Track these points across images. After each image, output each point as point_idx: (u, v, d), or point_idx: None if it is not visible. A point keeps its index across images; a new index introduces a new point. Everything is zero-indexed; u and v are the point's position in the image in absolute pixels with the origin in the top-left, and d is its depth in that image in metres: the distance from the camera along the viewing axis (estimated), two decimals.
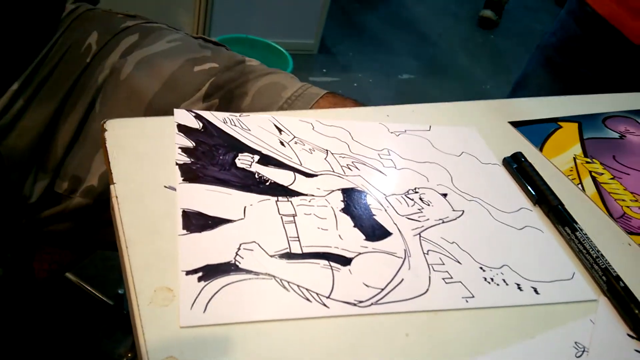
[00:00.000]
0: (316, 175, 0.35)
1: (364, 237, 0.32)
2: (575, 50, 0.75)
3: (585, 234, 0.34)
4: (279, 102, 0.49)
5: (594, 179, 0.42)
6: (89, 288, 0.85)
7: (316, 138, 0.38)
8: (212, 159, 0.34)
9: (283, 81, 0.51)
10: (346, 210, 0.33)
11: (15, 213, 0.49)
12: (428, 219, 0.34)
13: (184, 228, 0.29)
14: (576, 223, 0.35)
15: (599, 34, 0.71)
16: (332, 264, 0.30)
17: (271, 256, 0.29)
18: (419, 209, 0.35)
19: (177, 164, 0.33)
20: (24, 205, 0.49)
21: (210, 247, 0.29)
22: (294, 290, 0.28)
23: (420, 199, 0.36)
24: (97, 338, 0.85)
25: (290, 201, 0.33)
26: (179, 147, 0.34)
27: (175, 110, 0.37)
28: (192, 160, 0.33)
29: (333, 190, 0.35)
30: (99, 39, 0.51)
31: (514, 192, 0.39)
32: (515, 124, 0.46)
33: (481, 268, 0.32)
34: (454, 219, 0.35)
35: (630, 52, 0.69)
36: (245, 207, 0.31)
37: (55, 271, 0.62)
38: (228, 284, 0.27)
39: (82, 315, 0.86)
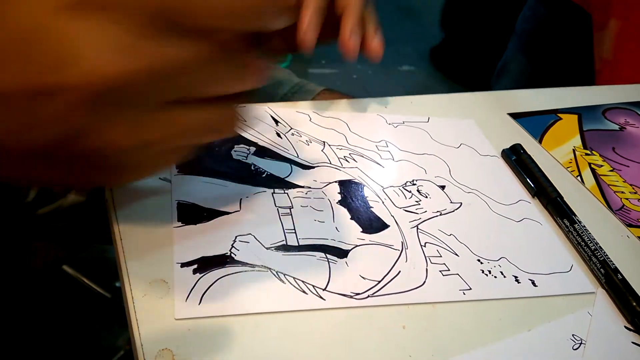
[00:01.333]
0: (313, 167, 0.35)
1: (361, 230, 0.32)
2: (546, 32, 0.77)
3: (584, 226, 0.34)
4: (275, 99, 0.48)
5: (593, 171, 0.42)
6: (86, 281, 0.85)
7: (313, 130, 0.38)
8: (207, 150, 0.34)
9: (279, 77, 0.50)
10: (343, 202, 0.33)
11: (12, 212, 0.49)
12: (425, 211, 0.34)
13: (179, 220, 0.29)
14: (575, 215, 0.35)
15: (564, 12, 0.72)
16: (329, 256, 0.29)
17: (267, 248, 0.29)
18: (416, 201, 0.35)
19: None
20: (20, 204, 0.49)
21: (205, 239, 0.28)
22: (290, 283, 0.28)
23: (418, 191, 0.36)
24: (94, 330, 0.85)
25: (287, 193, 0.32)
26: None
27: None
28: None
29: (330, 182, 0.34)
30: None
31: (512, 184, 0.38)
32: (515, 116, 0.46)
33: (479, 260, 0.32)
34: (451, 211, 0.35)
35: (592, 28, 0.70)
36: (241, 199, 0.31)
37: (51, 264, 0.62)
38: (223, 276, 0.27)
39: (79, 308, 0.86)
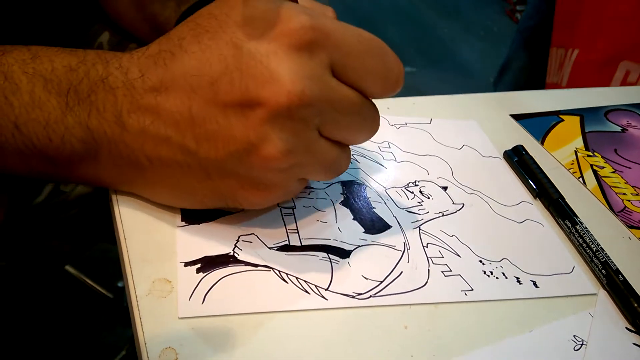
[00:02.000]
0: None
1: (363, 230, 0.32)
2: (548, 29, 0.77)
3: (586, 228, 0.34)
4: None
5: (595, 172, 0.42)
6: (88, 281, 0.86)
7: None
8: None
9: None
10: (345, 203, 0.33)
11: (21, 214, 0.49)
12: (428, 212, 0.34)
13: (182, 219, 0.29)
14: (576, 216, 0.35)
15: None
16: (331, 256, 0.30)
17: (270, 248, 0.29)
18: (418, 202, 0.35)
19: None
20: (29, 206, 0.49)
21: (208, 238, 0.29)
22: (293, 282, 0.28)
23: (420, 192, 0.36)
24: (96, 331, 0.85)
25: None
26: None
27: None
28: None
29: (332, 183, 0.34)
30: (111, 38, 0.51)
31: (514, 186, 0.39)
32: (517, 117, 0.46)
33: (480, 261, 0.32)
34: (453, 212, 0.35)
35: None
36: None
37: (55, 264, 0.62)
38: (226, 276, 0.27)
39: (82, 308, 0.86)
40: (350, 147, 0.38)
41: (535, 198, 0.38)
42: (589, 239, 0.33)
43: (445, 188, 0.37)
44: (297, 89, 0.23)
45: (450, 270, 0.31)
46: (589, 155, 0.44)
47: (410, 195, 0.35)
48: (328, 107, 0.24)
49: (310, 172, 0.27)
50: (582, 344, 0.28)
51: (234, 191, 0.26)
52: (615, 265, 0.32)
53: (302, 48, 0.23)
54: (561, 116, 0.48)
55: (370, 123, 0.27)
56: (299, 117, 0.24)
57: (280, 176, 0.26)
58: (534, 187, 0.38)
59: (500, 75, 0.87)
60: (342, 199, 0.33)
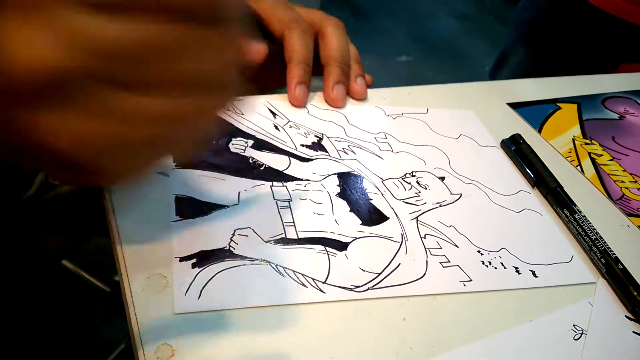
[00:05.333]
0: (311, 160, 0.35)
1: (360, 222, 0.31)
2: (547, 24, 0.76)
3: (584, 216, 0.34)
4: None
5: (593, 160, 0.42)
6: (85, 275, 0.85)
7: (311, 122, 0.38)
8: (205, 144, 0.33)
9: None
10: (342, 194, 0.33)
11: (12, 208, 0.48)
12: (425, 203, 0.34)
13: (177, 214, 0.29)
14: (575, 205, 0.35)
15: (567, 4, 0.72)
16: (328, 249, 0.29)
17: (266, 242, 0.29)
18: (416, 193, 0.35)
19: None
20: (20, 200, 0.49)
21: (204, 233, 0.28)
22: (290, 276, 0.27)
23: (418, 182, 0.36)
24: (94, 325, 0.85)
25: (285, 186, 0.32)
26: None
27: None
28: None
29: (329, 175, 0.34)
30: None
31: (512, 175, 0.38)
32: (514, 106, 0.46)
33: (479, 252, 0.32)
34: (451, 203, 0.35)
35: (597, 19, 0.69)
36: (239, 193, 0.31)
37: (52, 258, 0.61)
38: (222, 270, 0.27)
39: (79, 303, 0.86)
40: (346, 138, 0.38)
41: (533, 187, 0.37)
42: (588, 227, 0.33)
43: (442, 178, 0.36)
44: (30, 55, 0.16)
45: (449, 261, 0.30)
46: (586, 143, 0.44)
47: (408, 186, 0.35)
48: (101, 59, 0.16)
49: (148, 140, 0.18)
50: (582, 333, 0.28)
51: (69, 173, 0.20)
52: (614, 253, 0.32)
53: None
54: (558, 104, 0.47)
55: (210, 50, 0.17)
56: (51, 89, 0.16)
57: (96, 157, 0.18)
58: (532, 176, 0.38)
59: (497, 68, 0.85)
60: (339, 190, 0.33)
